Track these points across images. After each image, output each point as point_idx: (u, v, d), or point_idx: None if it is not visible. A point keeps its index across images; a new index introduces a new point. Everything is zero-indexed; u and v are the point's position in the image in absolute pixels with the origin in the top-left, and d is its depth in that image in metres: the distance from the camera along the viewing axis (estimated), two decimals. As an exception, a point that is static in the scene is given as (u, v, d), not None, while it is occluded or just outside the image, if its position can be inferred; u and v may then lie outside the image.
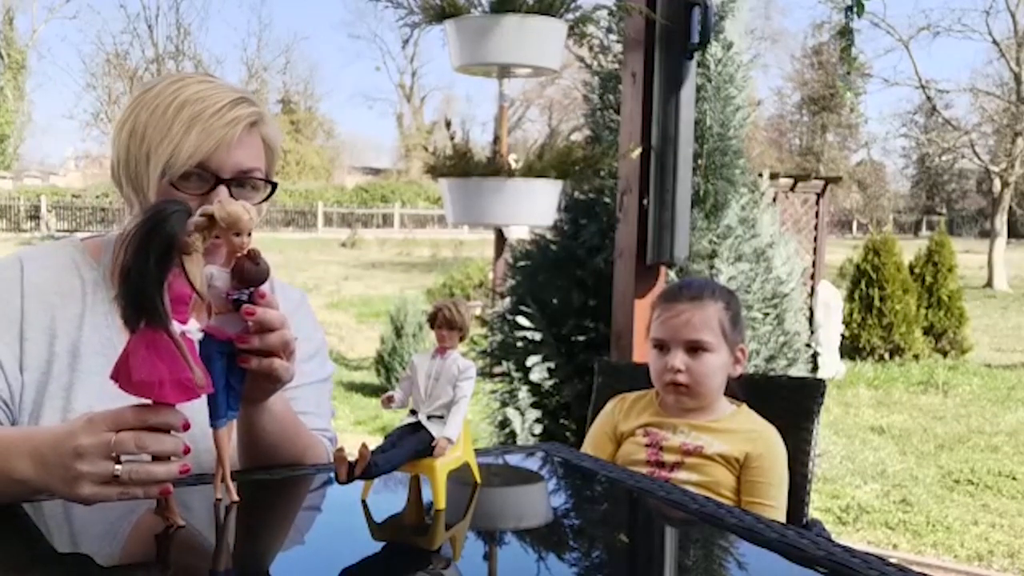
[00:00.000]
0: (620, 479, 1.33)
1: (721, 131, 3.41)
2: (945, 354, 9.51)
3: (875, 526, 4.43)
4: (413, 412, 1.08)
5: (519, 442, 3.38)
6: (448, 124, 2.35)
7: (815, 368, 7.73)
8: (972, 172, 34.66)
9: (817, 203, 8.39)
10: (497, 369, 3.64)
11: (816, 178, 8.68)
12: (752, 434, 1.78)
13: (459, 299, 1.15)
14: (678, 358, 1.79)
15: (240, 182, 1.27)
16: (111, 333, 1.31)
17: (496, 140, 2.32)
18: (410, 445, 1.05)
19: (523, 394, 3.47)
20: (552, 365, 3.44)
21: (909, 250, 9.91)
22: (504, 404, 3.54)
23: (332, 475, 1.01)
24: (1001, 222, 19.94)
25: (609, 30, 3.57)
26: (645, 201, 2.81)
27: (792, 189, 8.20)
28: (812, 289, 8.17)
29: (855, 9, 3.15)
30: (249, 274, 1.03)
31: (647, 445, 1.80)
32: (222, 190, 1.24)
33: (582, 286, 3.45)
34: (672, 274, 3.10)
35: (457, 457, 1.11)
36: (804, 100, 37.85)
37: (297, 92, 46.09)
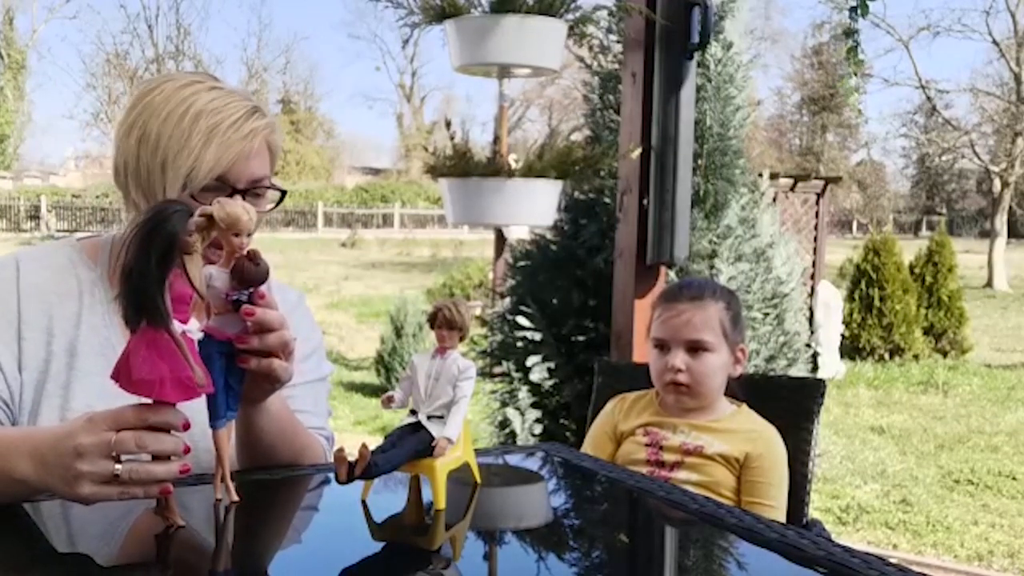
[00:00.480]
0: (620, 479, 1.33)
1: (721, 131, 3.41)
2: (945, 354, 9.51)
3: (875, 526, 4.43)
4: (413, 412, 1.08)
5: (519, 442, 3.38)
6: (448, 124, 2.35)
7: (815, 368, 7.74)
8: (972, 172, 34.66)
9: (817, 203, 8.40)
10: (497, 369, 3.64)
11: (816, 178, 8.68)
12: (752, 434, 1.78)
13: (459, 299, 1.15)
14: (678, 358, 1.79)
15: (254, 192, 1.28)
16: (109, 333, 1.32)
17: (496, 140, 2.32)
18: (410, 445, 1.05)
19: (523, 394, 3.47)
20: (552, 365, 3.44)
21: (909, 250, 9.91)
22: (504, 404, 3.54)
23: (332, 475, 1.01)
24: (1001, 222, 19.95)
25: (609, 30, 3.58)
26: (645, 201, 2.81)
27: (792, 189, 8.21)
28: (812, 289, 8.18)
29: (859, 10, 3.14)
30: (249, 274, 1.03)
31: (647, 445, 1.80)
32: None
33: (582, 286, 3.45)
34: (672, 274, 3.10)
35: (457, 457, 1.10)
36: (804, 100, 37.86)
37: (297, 92, 46.14)
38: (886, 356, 9.19)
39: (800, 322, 3.87)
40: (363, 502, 1.09)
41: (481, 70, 2.31)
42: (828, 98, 34.09)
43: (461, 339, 1.09)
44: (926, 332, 9.49)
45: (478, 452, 1.27)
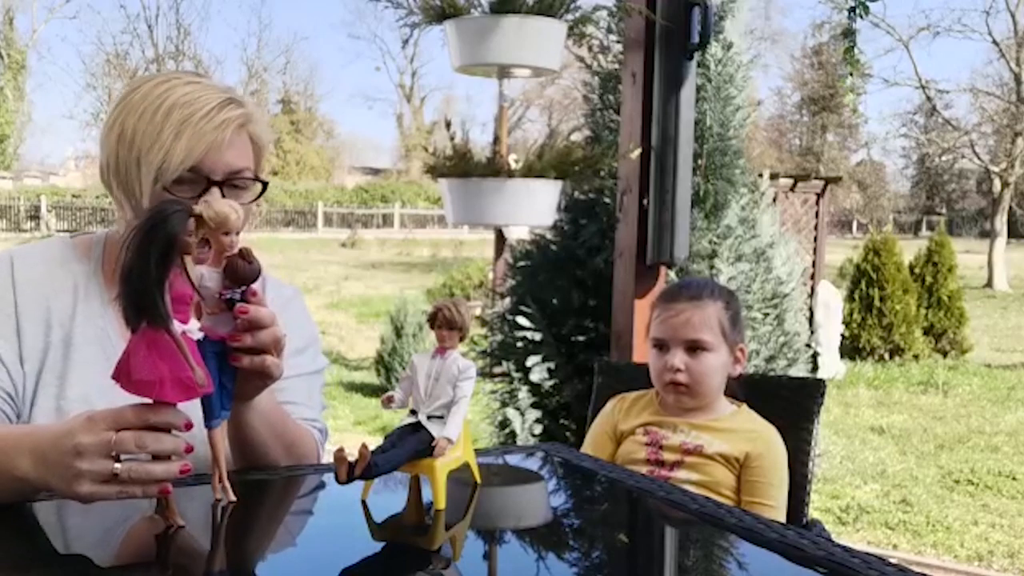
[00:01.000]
0: (620, 479, 1.33)
1: (721, 131, 3.41)
2: (945, 354, 9.51)
3: (875, 526, 4.44)
4: (413, 412, 1.08)
5: (519, 442, 3.38)
6: (448, 124, 2.35)
7: (815, 368, 7.73)
8: (972, 172, 34.66)
9: (817, 203, 8.40)
10: (497, 369, 3.64)
11: (816, 178, 8.68)
12: (752, 434, 1.78)
13: (459, 299, 1.15)
14: (677, 357, 1.79)
15: (231, 183, 1.28)
16: (104, 323, 1.33)
17: (496, 140, 2.32)
18: (410, 445, 1.05)
19: (523, 394, 3.47)
20: (552, 365, 3.44)
21: (909, 250, 9.91)
22: (504, 404, 3.54)
23: (332, 475, 1.01)
24: (1001, 222, 19.95)
25: (609, 30, 3.58)
26: (645, 201, 2.81)
27: (792, 189, 8.21)
28: (812, 289, 8.17)
29: (859, 10, 3.14)
30: (243, 272, 1.03)
31: (647, 444, 1.80)
32: (214, 192, 1.25)
33: (582, 286, 3.45)
34: (672, 274, 3.10)
35: (457, 457, 1.10)
36: (804, 100, 37.85)
37: (297, 92, 46.10)
38: (886, 356, 9.19)
39: (800, 322, 3.87)
40: (363, 502, 1.09)
41: (481, 70, 2.30)
42: (828, 98, 34.08)
43: (461, 339, 1.09)
44: (926, 332, 9.49)
45: (478, 452, 1.27)
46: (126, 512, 1.04)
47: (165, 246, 0.91)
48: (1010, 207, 21.73)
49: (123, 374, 0.94)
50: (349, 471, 1.00)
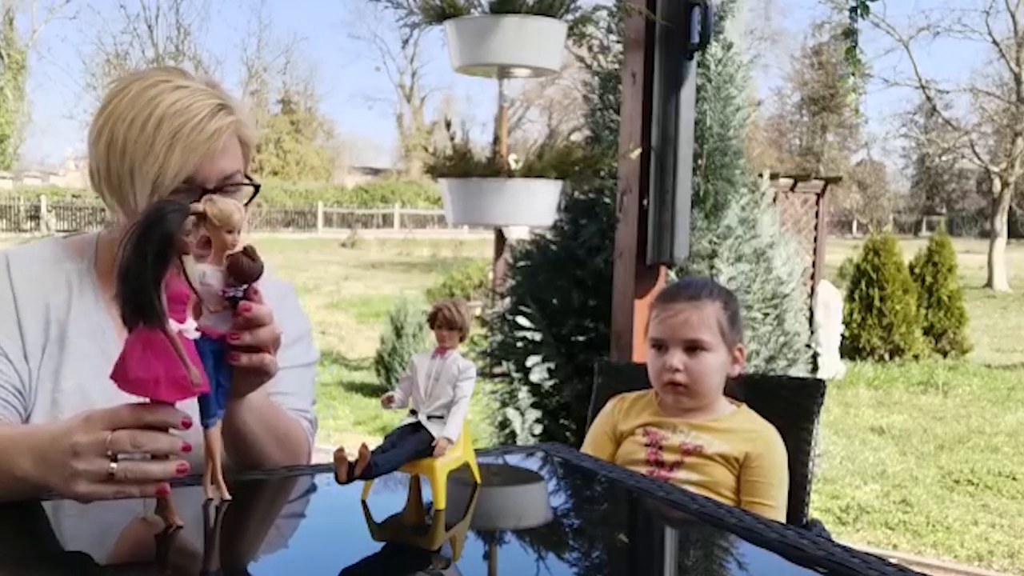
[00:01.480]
0: (620, 479, 1.33)
1: (721, 131, 3.41)
2: (945, 354, 9.51)
3: (875, 526, 4.43)
4: (413, 412, 1.08)
5: (519, 442, 3.38)
6: (448, 124, 2.35)
7: (815, 368, 7.73)
8: (972, 172, 34.66)
9: (817, 203, 8.40)
10: (497, 369, 3.64)
11: (816, 178, 8.68)
12: (752, 434, 1.78)
13: (459, 299, 1.15)
14: (676, 357, 1.79)
15: (224, 188, 1.28)
16: (99, 317, 1.34)
17: (496, 140, 2.32)
18: (410, 445, 1.05)
19: (523, 394, 3.47)
20: (552, 365, 3.44)
21: (909, 250, 9.91)
22: (504, 404, 3.54)
23: (332, 475, 1.01)
24: (1001, 222, 19.94)
25: (609, 30, 3.57)
26: (645, 201, 2.81)
27: (792, 189, 8.21)
28: (812, 289, 8.17)
29: (859, 10, 3.14)
30: (247, 270, 1.03)
31: (647, 444, 1.80)
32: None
33: (582, 286, 3.45)
34: (672, 274, 3.10)
35: (457, 457, 1.10)
36: (804, 100, 37.87)
37: (297, 92, 46.11)
38: (886, 356, 9.18)
39: (800, 322, 3.86)
40: (363, 502, 1.09)
41: (481, 70, 2.30)
42: (828, 98, 34.09)
43: (461, 339, 1.09)
44: (926, 332, 9.49)
45: (478, 452, 1.27)
46: (127, 511, 1.04)
47: (161, 246, 0.91)
48: (1010, 207, 21.73)
49: (119, 373, 0.94)
50: (349, 471, 1.00)
